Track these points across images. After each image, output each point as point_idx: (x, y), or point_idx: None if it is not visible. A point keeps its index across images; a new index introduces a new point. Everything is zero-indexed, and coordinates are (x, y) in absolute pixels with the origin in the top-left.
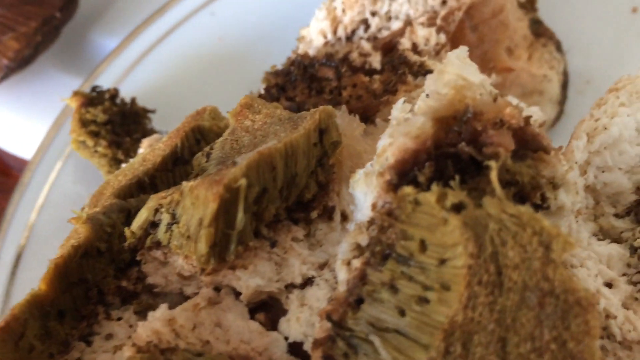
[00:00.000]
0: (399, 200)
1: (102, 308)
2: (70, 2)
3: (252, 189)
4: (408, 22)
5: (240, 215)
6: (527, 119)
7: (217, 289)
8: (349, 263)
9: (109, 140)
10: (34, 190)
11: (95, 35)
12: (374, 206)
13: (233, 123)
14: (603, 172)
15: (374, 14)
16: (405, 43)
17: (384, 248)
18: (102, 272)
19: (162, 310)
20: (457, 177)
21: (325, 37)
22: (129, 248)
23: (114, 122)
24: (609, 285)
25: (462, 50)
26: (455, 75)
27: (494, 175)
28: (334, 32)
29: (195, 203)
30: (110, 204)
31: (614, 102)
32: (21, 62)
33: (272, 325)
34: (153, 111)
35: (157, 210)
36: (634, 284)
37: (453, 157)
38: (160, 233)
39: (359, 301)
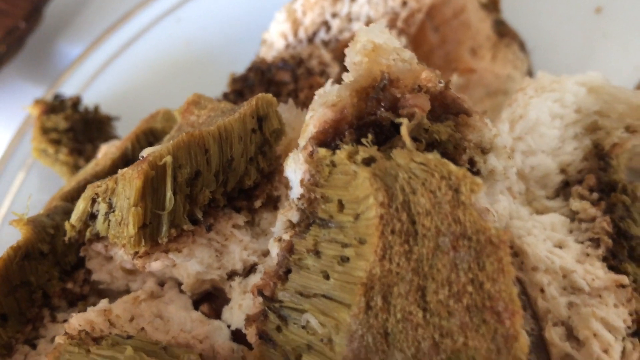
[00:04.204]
0: (317, 165)
1: (47, 311)
2: (35, 12)
3: (183, 170)
4: (369, 24)
5: (169, 195)
6: (447, 83)
7: (161, 283)
8: (280, 239)
9: (70, 147)
10: None
11: (61, 44)
12: (302, 182)
13: (180, 120)
14: (528, 156)
15: (334, 15)
16: None
17: (309, 217)
18: (46, 275)
19: (102, 305)
20: (369, 136)
21: (286, 39)
22: (70, 242)
23: (76, 130)
24: (559, 247)
25: (378, 24)
26: (365, 40)
27: (404, 129)
28: (295, 34)
29: (124, 185)
30: (54, 207)
31: (524, 97)
32: None
33: (216, 315)
34: (117, 118)
35: (94, 201)
36: (581, 242)
37: (374, 125)
38: (99, 224)
39: (288, 272)
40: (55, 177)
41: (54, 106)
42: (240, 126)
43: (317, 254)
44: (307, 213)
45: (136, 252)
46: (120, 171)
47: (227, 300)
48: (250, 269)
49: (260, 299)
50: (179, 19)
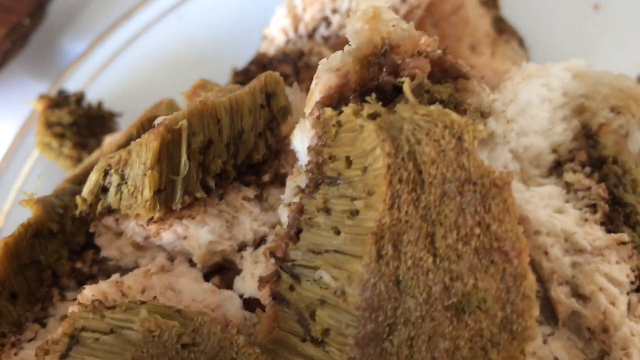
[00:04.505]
0: (323, 126)
1: (56, 290)
2: (39, 9)
3: (196, 137)
4: None
5: (184, 159)
6: (445, 48)
7: (171, 259)
8: (290, 204)
9: (74, 141)
10: (0, 195)
11: (65, 41)
12: (309, 148)
13: (187, 103)
14: (521, 137)
15: (334, 11)
16: None
17: (317, 179)
18: (55, 254)
19: (114, 277)
20: (373, 94)
21: (286, 35)
22: (81, 217)
23: (80, 124)
24: (559, 213)
25: None
26: (365, 7)
27: (406, 86)
28: (295, 30)
29: (140, 151)
30: (62, 188)
31: (512, 84)
32: None
33: (227, 287)
34: (119, 114)
35: (106, 173)
36: (579, 209)
37: (377, 90)
38: (111, 196)
39: (299, 232)
40: (60, 171)
41: (58, 101)
42: (250, 99)
43: (327, 211)
44: (316, 175)
45: (151, 218)
46: (132, 142)
47: (237, 272)
48: (260, 241)
49: (273, 260)
50: (180, 17)
